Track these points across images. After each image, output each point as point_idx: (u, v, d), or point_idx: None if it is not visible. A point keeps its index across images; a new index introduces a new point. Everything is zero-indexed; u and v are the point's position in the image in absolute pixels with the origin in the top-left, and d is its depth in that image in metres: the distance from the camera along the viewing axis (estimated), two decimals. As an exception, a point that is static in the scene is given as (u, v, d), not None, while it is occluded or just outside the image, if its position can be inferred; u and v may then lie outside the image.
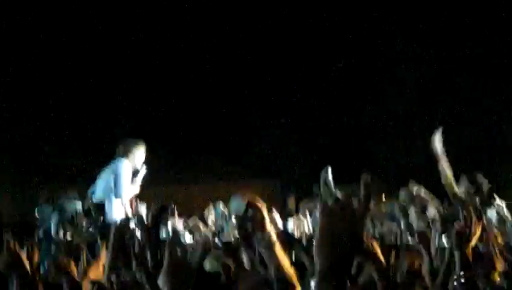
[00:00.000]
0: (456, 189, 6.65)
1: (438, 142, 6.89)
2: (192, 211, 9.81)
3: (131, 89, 15.87)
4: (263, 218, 4.90)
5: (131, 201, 8.87)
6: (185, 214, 9.63)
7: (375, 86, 16.13)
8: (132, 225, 6.43)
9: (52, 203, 8.03)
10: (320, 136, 16.23)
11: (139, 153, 9.07)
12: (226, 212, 9.52)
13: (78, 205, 7.59)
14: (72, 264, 5.26)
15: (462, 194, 6.66)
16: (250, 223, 5.71)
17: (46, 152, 15.67)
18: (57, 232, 7.52)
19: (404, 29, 15.55)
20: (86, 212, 7.37)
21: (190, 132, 16.16)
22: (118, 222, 7.18)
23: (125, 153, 9.02)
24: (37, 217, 8.06)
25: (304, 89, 16.16)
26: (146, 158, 9.18)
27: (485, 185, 7.44)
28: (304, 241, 7.27)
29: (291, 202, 12.28)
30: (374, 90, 16.16)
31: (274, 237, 4.51)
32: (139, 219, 6.40)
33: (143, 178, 9.00)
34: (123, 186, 8.73)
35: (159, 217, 6.49)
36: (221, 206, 9.88)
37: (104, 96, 15.64)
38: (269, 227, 5.10)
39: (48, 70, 15.47)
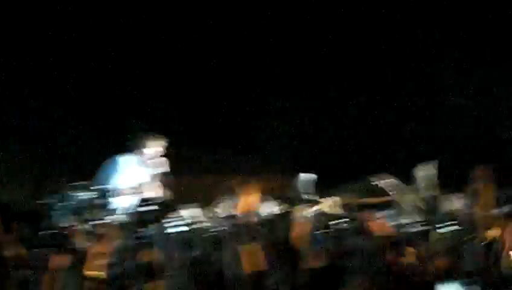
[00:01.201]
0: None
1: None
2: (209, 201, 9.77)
3: (149, 80, 15.84)
4: None
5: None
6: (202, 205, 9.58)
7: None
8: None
9: (60, 193, 7.93)
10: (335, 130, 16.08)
11: (152, 146, 9.04)
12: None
13: (84, 195, 7.50)
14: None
15: None
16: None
17: (59, 143, 15.66)
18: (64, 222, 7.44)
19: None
20: (91, 203, 7.29)
21: (208, 123, 16.11)
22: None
23: (137, 147, 9.00)
24: (46, 207, 7.96)
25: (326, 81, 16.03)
26: (163, 151, 9.12)
27: None
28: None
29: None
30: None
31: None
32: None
33: (160, 170, 8.96)
34: (120, 181, 8.70)
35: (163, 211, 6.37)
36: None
37: (121, 87, 15.63)
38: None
39: (69, 64, 15.51)
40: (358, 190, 8.85)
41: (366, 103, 15.90)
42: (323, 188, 11.17)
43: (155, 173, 8.98)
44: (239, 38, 15.86)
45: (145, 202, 6.65)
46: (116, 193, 8.45)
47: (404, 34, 15.56)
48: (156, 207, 6.25)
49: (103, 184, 8.77)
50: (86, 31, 15.48)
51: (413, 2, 15.28)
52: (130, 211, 7.70)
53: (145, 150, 9.03)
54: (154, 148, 9.06)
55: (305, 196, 8.53)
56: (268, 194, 9.32)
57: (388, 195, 7.86)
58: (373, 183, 8.09)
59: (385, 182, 8.03)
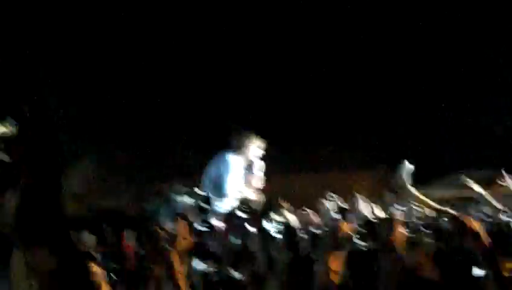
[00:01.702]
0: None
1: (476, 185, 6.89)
2: (308, 201, 9.72)
3: (242, 81, 15.93)
4: None
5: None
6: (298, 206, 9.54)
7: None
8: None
9: (162, 197, 8.11)
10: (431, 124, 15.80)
11: (252, 146, 9.07)
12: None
13: (187, 199, 7.63)
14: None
15: None
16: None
17: (160, 148, 15.93)
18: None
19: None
20: (195, 206, 7.41)
21: (303, 120, 16.08)
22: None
23: (237, 147, 9.05)
24: (147, 210, 8.14)
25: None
26: (262, 150, 9.16)
27: None
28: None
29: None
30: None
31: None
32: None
33: (261, 170, 9.00)
34: (228, 183, 8.76)
35: (263, 214, 6.43)
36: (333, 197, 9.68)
37: (215, 89, 15.78)
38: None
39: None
40: (453, 184, 8.70)
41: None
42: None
43: (256, 173, 9.03)
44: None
45: (246, 206, 6.72)
46: (220, 196, 8.58)
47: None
48: (256, 211, 6.30)
49: (208, 186, 8.92)
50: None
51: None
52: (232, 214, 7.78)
53: (246, 151, 9.06)
54: (255, 148, 9.09)
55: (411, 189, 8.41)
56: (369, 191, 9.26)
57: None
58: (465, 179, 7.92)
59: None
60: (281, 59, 15.94)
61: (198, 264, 5.65)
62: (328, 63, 15.96)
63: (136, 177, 15.71)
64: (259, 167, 9.12)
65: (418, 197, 7.70)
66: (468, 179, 7.83)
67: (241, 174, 9.06)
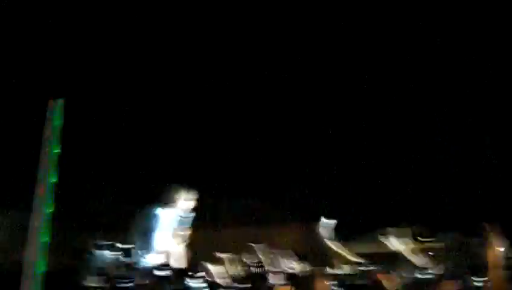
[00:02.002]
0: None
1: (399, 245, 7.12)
2: (235, 252, 9.72)
3: (172, 136, 15.92)
4: None
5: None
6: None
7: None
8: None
9: (84, 250, 8.03)
10: (360, 179, 16.03)
11: (183, 200, 9.12)
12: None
13: (107, 252, 7.58)
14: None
15: None
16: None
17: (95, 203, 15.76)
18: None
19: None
20: (116, 259, 7.35)
21: (229, 176, 16.11)
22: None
23: (168, 201, 9.08)
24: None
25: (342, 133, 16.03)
26: (193, 204, 9.20)
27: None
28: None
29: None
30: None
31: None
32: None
33: (191, 223, 9.03)
34: (157, 236, 8.75)
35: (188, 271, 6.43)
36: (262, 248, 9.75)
37: (145, 144, 15.70)
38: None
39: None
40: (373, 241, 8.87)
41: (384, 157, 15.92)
42: (347, 237, 11.19)
43: (185, 227, 9.04)
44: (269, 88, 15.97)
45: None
46: (146, 251, 8.53)
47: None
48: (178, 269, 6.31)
49: (138, 240, 8.85)
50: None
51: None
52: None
53: (178, 204, 9.08)
54: (187, 202, 9.12)
55: (329, 244, 8.52)
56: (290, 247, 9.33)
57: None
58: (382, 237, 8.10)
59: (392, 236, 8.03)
60: (209, 118, 16.01)
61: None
62: (256, 123, 16.10)
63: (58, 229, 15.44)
64: (189, 220, 9.15)
65: (336, 252, 7.81)
66: (387, 236, 7.98)
67: (171, 228, 9.05)
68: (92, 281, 7.14)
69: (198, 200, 11.30)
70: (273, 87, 16.05)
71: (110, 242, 7.91)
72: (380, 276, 5.10)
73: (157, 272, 6.24)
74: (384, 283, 4.82)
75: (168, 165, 15.38)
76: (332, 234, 8.35)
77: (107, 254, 7.53)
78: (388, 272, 6.00)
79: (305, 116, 15.82)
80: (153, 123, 15.89)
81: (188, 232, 8.91)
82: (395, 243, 7.96)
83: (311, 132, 15.90)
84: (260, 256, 8.64)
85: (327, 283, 5.81)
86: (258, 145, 16.12)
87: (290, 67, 15.84)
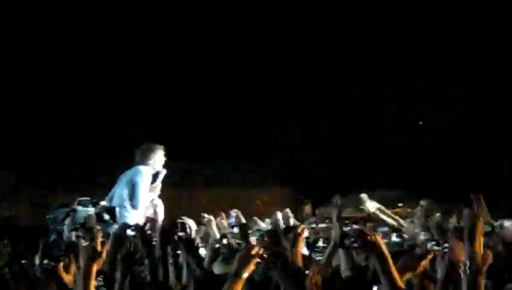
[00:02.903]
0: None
1: (369, 204, 7.20)
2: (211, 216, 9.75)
3: (149, 94, 15.85)
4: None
5: (155, 205, 8.89)
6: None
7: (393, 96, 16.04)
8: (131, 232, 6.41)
9: (66, 207, 8.03)
10: (337, 143, 16.14)
11: (158, 157, 9.11)
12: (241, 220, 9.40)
13: (91, 210, 7.60)
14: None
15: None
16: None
17: (63, 158, 15.69)
18: (69, 236, 7.53)
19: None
20: (98, 216, 7.38)
21: (210, 137, 16.12)
22: (117, 228, 7.18)
23: (143, 160, 9.06)
24: (50, 221, 8.06)
25: (322, 98, 16.07)
26: (166, 162, 9.21)
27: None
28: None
29: (307, 208, 12.26)
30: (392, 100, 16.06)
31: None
32: (140, 230, 6.31)
33: (163, 180, 9.04)
34: (140, 195, 8.77)
35: (167, 236, 6.45)
36: (235, 213, 9.78)
37: (121, 101, 15.64)
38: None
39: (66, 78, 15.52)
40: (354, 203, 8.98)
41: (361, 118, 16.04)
42: (320, 201, 11.33)
43: (160, 183, 9.06)
44: (240, 55, 15.95)
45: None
46: (131, 207, 8.56)
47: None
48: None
49: (118, 197, 8.88)
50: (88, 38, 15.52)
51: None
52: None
53: (152, 161, 9.06)
54: (160, 158, 9.12)
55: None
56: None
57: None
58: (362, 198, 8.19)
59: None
60: (185, 77, 15.97)
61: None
62: (240, 86, 16.11)
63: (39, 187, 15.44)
64: (163, 176, 9.16)
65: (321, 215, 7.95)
66: (364, 198, 8.10)
67: (149, 185, 9.08)
68: (73, 236, 7.16)
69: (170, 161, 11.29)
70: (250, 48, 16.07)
71: (95, 200, 7.92)
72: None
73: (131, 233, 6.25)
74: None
75: (140, 124, 15.40)
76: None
77: (91, 211, 7.56)
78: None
79: (285, 76, 15.85)
80: (129, 83, 15.87)
81: (159, 190, 8.92)
82: (370, 206, 8.10)
83: (290, 93, 15.97)
84: (233, 220, 8.67)
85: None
86: (235, 106, 16.17)
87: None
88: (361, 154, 15.99)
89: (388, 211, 8.23)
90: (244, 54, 15.86)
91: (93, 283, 5.00)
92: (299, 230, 5.77)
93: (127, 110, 15.75)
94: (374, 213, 8.00)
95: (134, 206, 8.72)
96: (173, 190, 13.35)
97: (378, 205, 8.15)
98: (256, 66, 15.93)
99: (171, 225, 6.75)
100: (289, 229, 6.46)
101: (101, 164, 14.26)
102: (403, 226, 7.78)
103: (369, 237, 4.01)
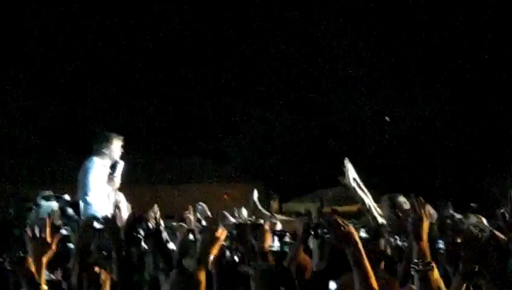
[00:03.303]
0: (375, 214, 6.94)
1: (350, 176, 7.20)
2: (176, 211, 9.65)
3: (119, 87, 15.72)
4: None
5: (116, 200, 8.74)
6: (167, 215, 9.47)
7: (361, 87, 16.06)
8: (97, 224, 6.28)
9: (28, 201, 7.85)
10: (304, 138, 16.15)
11: (114, 147, 8.94)
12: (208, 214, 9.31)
13: (54, 204, 7.43)
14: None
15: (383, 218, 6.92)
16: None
17: (26, 150, 15.49)
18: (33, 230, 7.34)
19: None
20: (62, 211, 7.21)
21: (176, 132, 16.04)
22: (83, 220, 7.03)
23: (99, 149, 8.92)
24: (12, 215, 7.87)
25: (290, 94, 16.07)
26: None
27: (405, 205, 7.44)
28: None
29: (275, 204, 12.25)
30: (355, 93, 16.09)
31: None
32: (108, 223, 6.20)
33: (121, 171, 8.90)
34: (90, 182, 8.63)
35: (133, 228, 6.35)
36: (202, 207, 9.69)
37: (88, 94, 15.50)
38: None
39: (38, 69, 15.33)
40: (331, 198, 8.97)
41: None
42: (288, 197, 11.30)
43: (118, 174, 8.92)
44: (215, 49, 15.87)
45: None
46: (87, 201, 8.41)
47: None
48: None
49: (79, 191, 8.73)
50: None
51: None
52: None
53: (109, 152, 8.92)
54: (117, 149, 8.97)
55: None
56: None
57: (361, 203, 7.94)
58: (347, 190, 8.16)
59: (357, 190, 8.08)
60: (160, 71, 15.88)
61: (48, 275, 5.51)
62: (208, 80, 16.04)
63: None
64: (121, 167, 9.02)
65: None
66: (348, 165, 8.10)
67: (106, 176, 8.93)
68: (35, 231, 6.98)
69: (132, 157, 11.08)
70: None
71: (57, 194, 7.74)
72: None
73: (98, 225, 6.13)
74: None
75: (99, 115, 15.23)
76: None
77: (54, 205, 7.38)
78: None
79: (254, 71, 15.81)
80: (95, 77, 15.70)
81: (119, 181, 8.78)
82: (350, 173, 8.09)
83: (258, 87, 15.93)
84: (199, 217, 8.58)
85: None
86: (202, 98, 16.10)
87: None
88: (328, 150, 16.00)
89: (365, 189, 8.18)
90: (213, 48, 15.79)
91: (44, 276, 4.89)
92: (266, 227, 5.83)
93: (93, 106, 15.60)
94: (349, 183, 7.96)
95: (85, 194, 8.57)
96: (139, 185, 13.23)
97: (357, 177, 8.10)
98: (224, 60, 15.89)
99: (137, 218, 6.64)
100: (256, 225, 6.44)
101: (62, 157, 14.08)
102: (372, 211, 7.74)
103: (342, 228, 3.97)
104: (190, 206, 8.96)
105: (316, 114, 16.22)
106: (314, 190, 13.83)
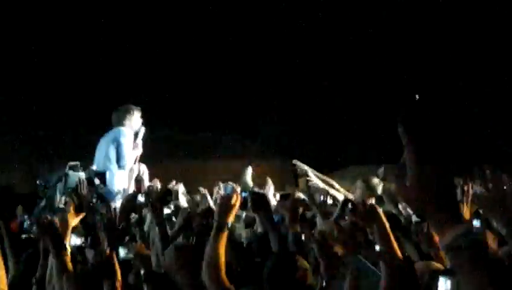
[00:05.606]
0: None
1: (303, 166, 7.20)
2: (205, 188, 9.67)
3: (139, 62, 15.68)
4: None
5: (139, 173, 8.82)
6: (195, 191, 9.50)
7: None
8: (140, 200, 6.41)
9: (56, 173, 7.94)
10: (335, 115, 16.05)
11: (134, 118, 9.12)
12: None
13: (82, 175, 7.51)
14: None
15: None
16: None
17: (51, 125, 15.61)
18: (61, 201, 7.47)
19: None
20: (88, 181, 7.29)
21: (202, 108, 16.02)
22: (127, 195, 7.15)
23: (121, 122, 9.04)
24: (40, 187, 7.96)
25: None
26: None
27: (379, 188, 7.39)
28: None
29: (302, 181, 12.18)
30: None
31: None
32: (147, 196, 6.34)
33: (143, 138, 9.06)
34: (126, 155, 8.74)
35: (162, 200, 6.44)
36: (231, 185, 9.67)
37: (110, 71, 15.49)
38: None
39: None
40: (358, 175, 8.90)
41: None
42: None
43: (140, 142, 9.05)
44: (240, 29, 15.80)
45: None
46: (109, 172, 8.50)
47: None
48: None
49: (101, 161, 8.84)
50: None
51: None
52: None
53: (130, 122, 9.06)
54: (137, 119, 9.12)
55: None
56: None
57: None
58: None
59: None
60: (178, 47, 15.82)
61: (75, 240, 5.58)
62: (231, 56, 15.95)
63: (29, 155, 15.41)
64: (142, 133, 9.19)
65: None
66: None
67: (132, 144, 9.08)
68: (63, 201, 7.08)
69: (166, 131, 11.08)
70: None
71: (84, 165, 7.84)
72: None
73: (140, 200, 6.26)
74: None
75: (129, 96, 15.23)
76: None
77: (81, 175, 7.46)
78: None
79: (279, 47, 15.72)
80: (115, 55, 15.71)
81: (141, 148, 8.90)
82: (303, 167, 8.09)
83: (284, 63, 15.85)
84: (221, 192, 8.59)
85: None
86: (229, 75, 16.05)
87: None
88: (358, 128, 15.88)
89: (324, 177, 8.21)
90: (243, 25, 15.72)
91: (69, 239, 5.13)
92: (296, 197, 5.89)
93: (114, 82, 15.61)
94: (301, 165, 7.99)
95: (122, 167, 8.72)
96: (163, 160, 13.24)
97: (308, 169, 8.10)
98: (255, 36, 15.81)
99: (165, 191, 6.73)
100: (286, 195, 6.48)
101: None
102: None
103: (368, 206, 3.97)
104: (220, 182, 9.01)
105: (344, 92, 16.09)
106: (345, 167, 13.74)
